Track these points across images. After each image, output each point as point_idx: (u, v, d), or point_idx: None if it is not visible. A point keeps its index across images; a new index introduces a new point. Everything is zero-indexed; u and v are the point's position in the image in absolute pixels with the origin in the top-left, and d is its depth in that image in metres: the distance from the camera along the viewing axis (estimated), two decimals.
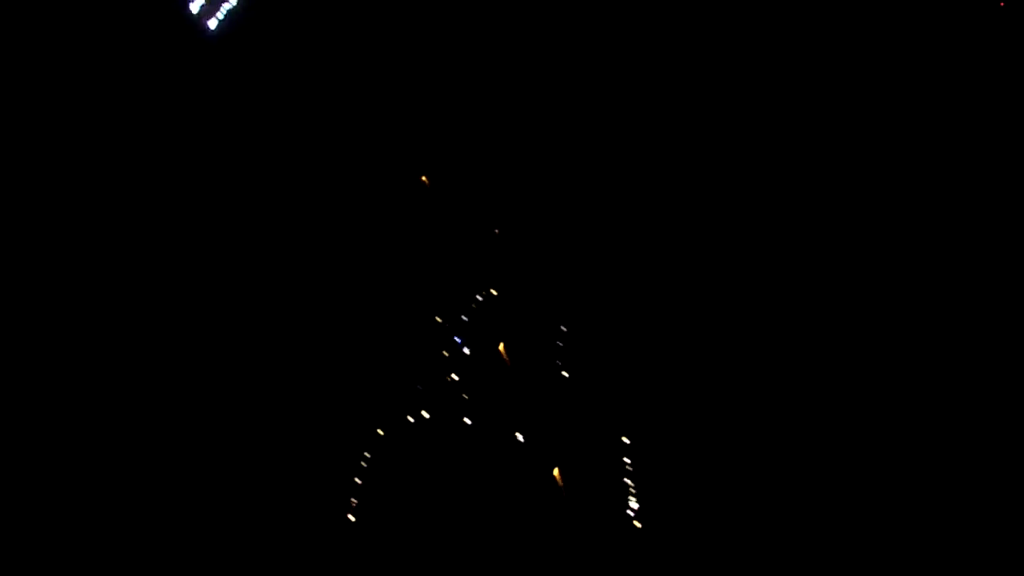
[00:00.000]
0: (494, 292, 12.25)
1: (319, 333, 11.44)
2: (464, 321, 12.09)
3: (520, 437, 11.35)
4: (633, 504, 11.19)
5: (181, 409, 10.44)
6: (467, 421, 11.37)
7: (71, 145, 10.60)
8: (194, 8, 10.27)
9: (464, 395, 11.56)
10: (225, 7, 10.65)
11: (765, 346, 11.95)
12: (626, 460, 11.53)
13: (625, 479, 11.40)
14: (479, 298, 12.26)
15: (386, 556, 10.51)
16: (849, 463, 11.10)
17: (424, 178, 12.79)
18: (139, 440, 10.09)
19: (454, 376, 11.65)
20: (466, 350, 11.90)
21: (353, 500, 10.72)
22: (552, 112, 13.39)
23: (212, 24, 10.38)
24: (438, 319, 11.97)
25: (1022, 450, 10.83)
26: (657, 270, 12.46)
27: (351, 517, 10.58)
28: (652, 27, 13.56)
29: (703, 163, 13.07)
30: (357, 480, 10.84)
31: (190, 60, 11.08)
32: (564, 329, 12.10)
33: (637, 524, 11.01)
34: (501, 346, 11.95)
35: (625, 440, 11.57)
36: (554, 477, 11.17)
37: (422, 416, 11.32)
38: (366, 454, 11.04)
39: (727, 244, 12.61)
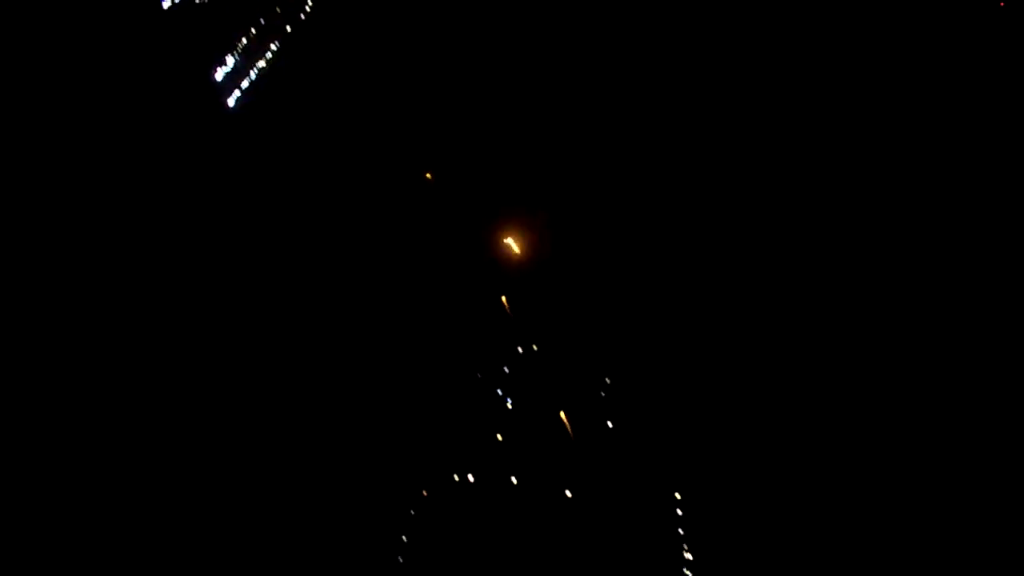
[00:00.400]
0: (535, 347, 12.00)
1: (366, 394, 11.40)
2: (506, 373, 11.89)
3: (568, 494, 11.14)
4: (688, 556, 11.00)
5: (241, 469, 10.54)
6: (513, 480, 11.16)
7: (93, 193, 10.66)
8: (218, 76, 10.22)
9: (510, 453, 11.37)
10: (247, 79, 10.61)
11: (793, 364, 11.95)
12: (678, 511, 11.32)
13: (679, 529, 11.19)
14: (520, 350, 12.03)
15: None
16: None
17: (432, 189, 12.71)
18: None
19: (499, 436, 11.44)
20: (509, 404, 11.67)
21: (400, 558, 10.67)
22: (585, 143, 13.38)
23: (232, 100, 10.33)
24: (479, 375, 11.78)
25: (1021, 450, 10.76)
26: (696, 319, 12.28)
27: None
28: (655, 27, 13.64)
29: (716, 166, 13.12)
30: (404, 538, 10.77)
31: (209, 123, 11.12)
32: (608, 381, 11.81)
33: None
34: (504, 299, 11.81)
35: (677, 496, 11.31)
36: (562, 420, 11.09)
37: (467, 479, 11.15)
38: (411, 511, 10.98)
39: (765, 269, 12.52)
